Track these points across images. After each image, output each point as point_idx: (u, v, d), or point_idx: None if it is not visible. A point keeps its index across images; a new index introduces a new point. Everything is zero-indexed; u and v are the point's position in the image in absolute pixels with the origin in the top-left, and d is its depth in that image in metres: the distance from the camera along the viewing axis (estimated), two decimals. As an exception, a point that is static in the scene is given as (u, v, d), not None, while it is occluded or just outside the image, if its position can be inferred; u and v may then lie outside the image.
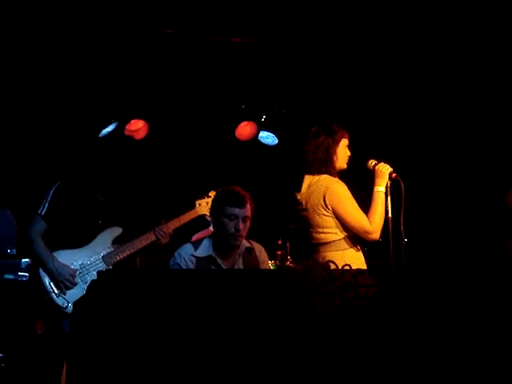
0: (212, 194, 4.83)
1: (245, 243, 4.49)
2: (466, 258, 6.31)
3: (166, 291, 3.12)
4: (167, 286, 3.14)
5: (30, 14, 5.78)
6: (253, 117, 7.27)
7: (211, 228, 4.67)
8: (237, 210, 4.32)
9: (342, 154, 4.62)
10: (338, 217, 4.47)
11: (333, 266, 3.53)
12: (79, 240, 4.64)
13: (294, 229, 5.90)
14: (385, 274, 3.32)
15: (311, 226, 4.57)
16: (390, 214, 4.51)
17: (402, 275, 3.43)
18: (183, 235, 5.06)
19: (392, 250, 4.49)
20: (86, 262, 4.62)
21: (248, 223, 4.39)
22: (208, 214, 4.69)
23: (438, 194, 7.20)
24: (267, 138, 7.38)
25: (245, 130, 7.31)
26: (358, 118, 6.89)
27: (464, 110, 6.98)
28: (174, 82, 6.92)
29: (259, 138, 7.35)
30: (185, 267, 4.34)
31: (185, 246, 4.49)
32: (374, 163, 4.64)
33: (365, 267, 4.41)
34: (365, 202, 4.53)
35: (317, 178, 4.55)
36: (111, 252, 4.69)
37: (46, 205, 4.61)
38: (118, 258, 4.68)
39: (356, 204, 4.49)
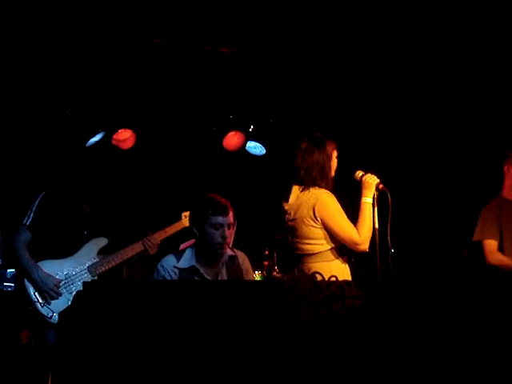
0: None
1: (228, 251, 4.47)
2: (453, 268, 6.32)
3: (151, 302, 3.11)
4: (153, 297, 3.13)
5: (16, 24, 5.77)
6: (240, 127, 7.27)
7: None
8: (221, 219, 4.30)
9: (333, 166, 4.64)
10: (327, 228, 4.47)
11: (319, 278, 3.53)
12: (64, 250, 4.63)
13: (281, 239, 5.91)
14: (371, 285, 3.32)
15: (298, 237, 4.56)
16: (376, 225, 4.52)
17: (388, 286, 3.43)
18: (171, 246, 5.04)
19: (379, 261, 4.50)
20: (71, 272, 4.60)
21: (232, 231, 4.38)
22: None
23: (424, 205, 7.22)
24: (255, 148, 7.37)
25: (232, 140, 7.31)
26: (345, 129, 6.91)
27: (450, 121, 7.01)
28: (161, 91, 6.91)
29: (247, 148, 7.34)
30: (169, 279, 4.31)
31: (167, 257, 4.45)
32: (361, 174, 4.64)
33: (350, 278, 4.41)
34: (351, 212, 4.53)
35: (306, 188, 4.55)
36: (96, 262, 4.67)
37: (31, 215, 4.60)
38: (103, 268, 4.67)
39: (345, 215, 4.49)
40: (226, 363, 3.06)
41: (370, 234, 4.49)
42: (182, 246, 5.15)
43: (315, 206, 4.46)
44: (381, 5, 5.72)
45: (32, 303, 4.48)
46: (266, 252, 6.73)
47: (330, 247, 4.48)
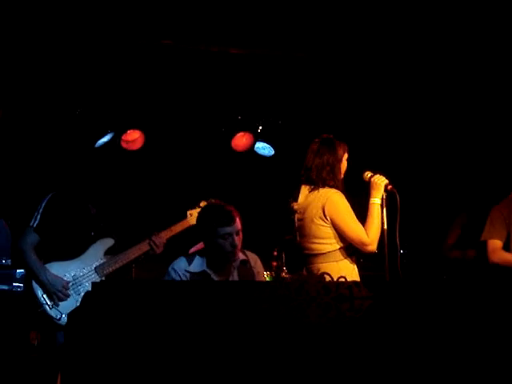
0: (203, 204, 4.84)
1: (240, 256, 4.47)
2: (462, 269, 6.31)
3: (160, 303, 3.11)
4: (162, 298, 3.13)
5: (25, 25, 5.78)
6: (249, 128, 7.27)
7: None
8: (229, 229, 4.30)
9: (343, 168, 4.64)
10: (336, 227, 4.47)
11: (328, 278, 3.52)
12: (71, 252, 4.64)
13: (290, 240, 5.90)
14: (380, 286, 3.32)
15: (306, 236, 4.56)
16: (385, 226, 4.51)
17: (397, 287, 3.42)
18: (177, 245, 5.04)
19: (387, 262, 4.49)
20: (78, 273, 4.61)
21: (241, 235, 4.38)
22: None
23: (433, 206, 7.20)
24: (263, 148, 7.37)
25: (241, 140, 7.30)
26: (355, 129, 6.90)
27: (458, 122, 6.99)
28: (170, 92, 6.92)
29: (255, 149, 7.34)
30: None
31: (178, 260, 4.46)
32: (369, 175, 4.64)
33: (358, 278, 4.40)
34: (360, 213, 4.53)
35: (316, 188, 4.55)
36: (104, 263, 4.68)
37: (38, 217, 4.61)
38: (110, 269, 4.68)
39: (354, 216, 4.49)
40: (234, 363, 3.06)
41: (378, 234, 4.48)
42: (191, 250, 5.16)
43: (325, 205, 4.46)
44: (386, 5, 5.72)
45: (40, 305, 4.49)
46: (275, 253, 6.71)
47: (338, 247, 4.48)
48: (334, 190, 4.50)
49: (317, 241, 4.51)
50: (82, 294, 4.38)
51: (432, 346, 3.18)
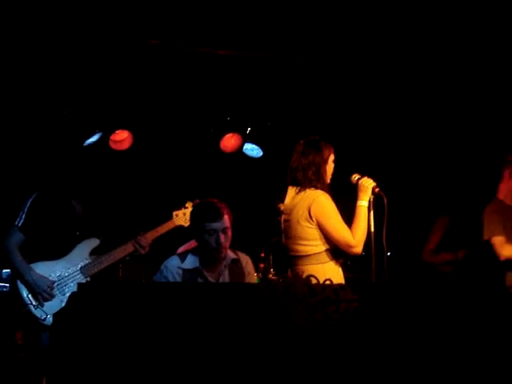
0: (189, 204, 4.85)
1: (231, 255, 4.50)
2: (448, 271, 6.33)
3: (146, 304, 3.11)
4: (148, 299, 3.13)
5: (12, 25, 5.76)
6: (238, 129, 7.26)
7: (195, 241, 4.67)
8: (215, 225, 4.32)
9: (330, 169, 4.64)
10: (321, 229, 4.47)
11: (314, 281, 3.52)
12: (57, 251, 4.63)
13: (277, 241, 5.90)
14: (366, 289, 3.32)
15: (292, 238, 4.56)
16: (372, 229, 4.52)
17: (383, 290, 3.43)
18: (163, 245, 5.04)
19: (374, 264, 4.50)
20: (63, 273, 4.60)
21: (229, 233, 4.39)
22: (185, 224, 4.71)
23: (420, 209, 7.22)
24: (252, 150, 7.36)
25: (229, 141, 7.30)
26: (343, 132, 6.91)
27: (447, 126, 7.01)
28: (159, 93, 6.90)
29: (244, 150, 7.34)
30: (172, 280, 4.33)
31: (171, 258, 4.49)
32: (357, 178, 4.64)
33: (343, 281, 4.40)
34: (347, 216, 4.53)
35: (302, 189, 4.55)
36: (89, 263, 4.67)
37: (23, 216, 4.60)
38: (95, 269, 4.67)
39: (340, 218, 4.49)
40: (220, 365, 3.06)
41: (364, 237, 4.48)
42: (180, 250, 5.16)
43: (311, 207, 4.46)
44: (381, 9, 5.72)
45: (25, 305, 4.48)
46: (262, 254, 6.72)
47: (324, 249, 4.48)
48: (320, 192, 4.50)
49: (302, 242, 4.51)
50: (68, 294, 4.38)
51: (418, 347, 3.19)
